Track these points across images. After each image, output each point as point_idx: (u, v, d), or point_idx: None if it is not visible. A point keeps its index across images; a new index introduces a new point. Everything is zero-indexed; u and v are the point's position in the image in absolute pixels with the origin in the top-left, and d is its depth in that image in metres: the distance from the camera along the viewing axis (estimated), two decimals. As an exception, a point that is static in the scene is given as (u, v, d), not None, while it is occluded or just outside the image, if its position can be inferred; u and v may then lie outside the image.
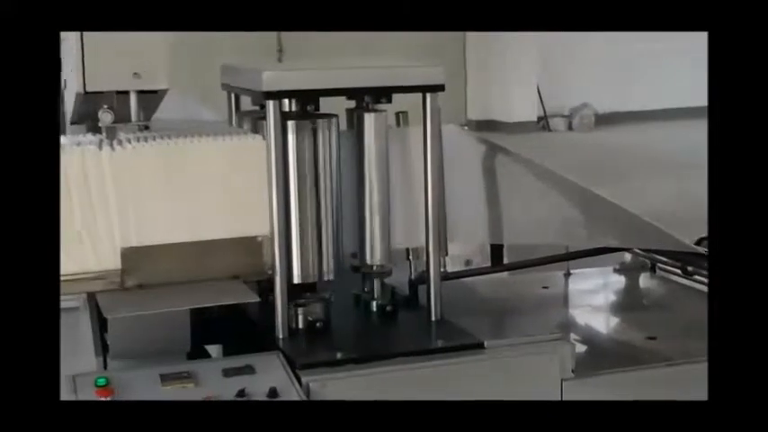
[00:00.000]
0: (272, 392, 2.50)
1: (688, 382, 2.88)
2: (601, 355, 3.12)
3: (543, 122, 15.90)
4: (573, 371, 2.77)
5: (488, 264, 3.99)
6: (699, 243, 3.40)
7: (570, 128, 15.97)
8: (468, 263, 4.23)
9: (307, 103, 2.88)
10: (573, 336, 3.11)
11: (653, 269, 3.82)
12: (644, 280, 3.81)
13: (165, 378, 2.57)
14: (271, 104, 2.78)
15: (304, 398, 2.52)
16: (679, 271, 3.50)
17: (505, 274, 3.90)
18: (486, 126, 14.86)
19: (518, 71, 15.21)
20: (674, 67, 15.92)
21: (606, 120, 15.95)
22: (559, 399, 2.75)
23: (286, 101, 2.87)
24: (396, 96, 2.99)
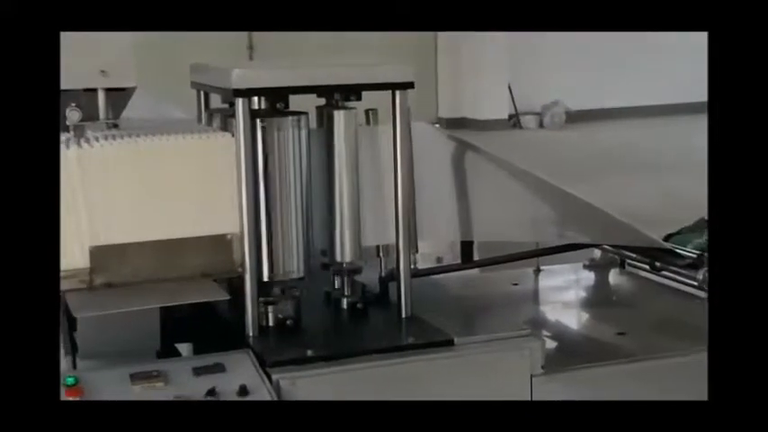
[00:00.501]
0: (243, 390, 2.50)
1: (657, 377, 2.92)
2: (570, 351, 3.13)
3: (515, 120, 15.96)
4: (542, 367, 2.78)
5: (459, 261, 4.00)
6: (667, 239, 3.43)
7: (541, 125, 16.03)
8: (439, 260, 4.23)
9: (276, 101, 2.87)
10: (543, 332, 3.12)
11: (622, 265, 3.84)
12: (613, 276, 3.84)
13: (134, 377, 2.56)
14: (240, 102, 2.77)
15: (274, 396, 2.52)
16: (648, 267, 3.52)
17: (476, 271, 3.90)
18: (457, 124, 14.91)
19: (489, 69, 15.27)
20: (645, 64, 16.02)
21: (577, 117, 16.03)
22: (529, 395, 2.76)
23: (255, 99, 2.87)
24: (366, 94, 2.99)
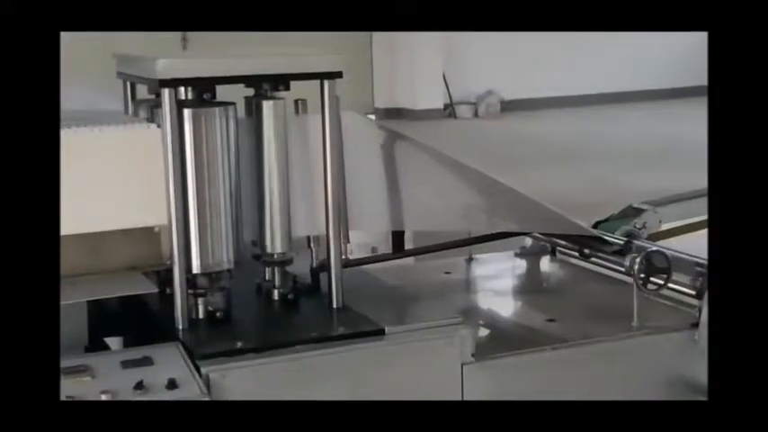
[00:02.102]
0: (171, 384, 2.47)
1: (585, 362, 2.95)
2: (501, 338, 3.16)
3: (450, 110, 16.01)
4: (473, 354, 2.79)
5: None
6: (596, 227, 3.47)
7: (476, 115, 16.11)
8: (374, 250, 4.23)
9: (203, 92, 2.84)
10: (474, 320, 3.14)
11: (553, 253, 3.88)
12: (544, 264, 3.87)
13: (62, 372, 2.51)
14: (166, 93, 2.74)
15: (204, 389, 2.50)
16: (577, 254, 3.55)
17: (408, 261, 3.91)
18: (393, 114, 14.92)
19: (424, 59, 15.28)
20: (579, 53, 16.16)
21: (512, 107, 16.13)
22: (460, 383, 2.77)
23: (182, 89, 2.83)
24: (298, 84, 2.97)
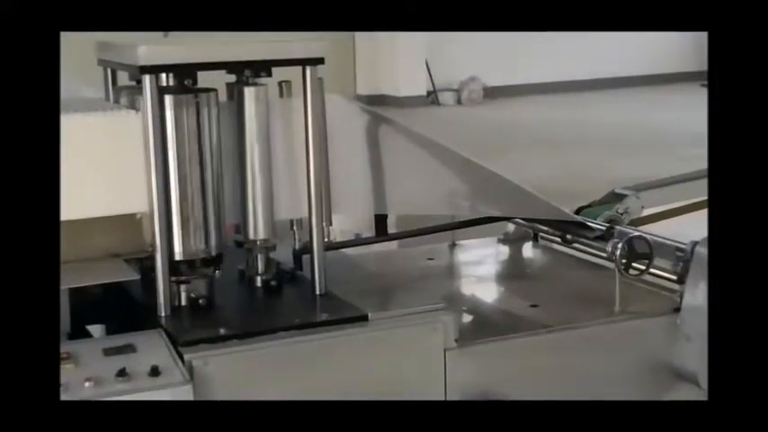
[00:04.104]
0: (154, 371, 2.47)
1: (568, 347, 2.96)
2: (484, 324, 3.16)
3: (432, 97, 16.01)
4: (456, 340, 2.80)
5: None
6: (578, 212, 3.48)
7: (459, 102, 16.11)
8: (357, 237, 4.24)
9: (184, 78, 2.83)
10: (457, 306, 3.14)
11: (536, 239, 3.88)
12: (527, 249, 3.88)
13: (44, 360, 2.51)
14: (147, 79, 2.73)
15: (187, 376, 2.50)
16: (560, 240, 3.56)
17: (392, 247, 3.91)
18: (376, 101, 14.89)
19: (406, 46, 15.27)
20: (561, 39, 16.17)
21: (495, 93, 16.14)
22: (443, 368, 2.77)
23: (164, 75, 2.82)
24: (282, 68, 2.97)
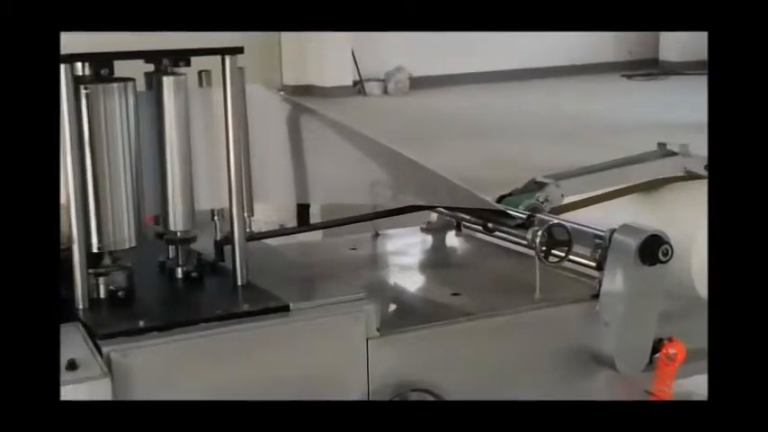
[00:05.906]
0: (71, 365, 2.43)
1: (490, 334, 2.99)
2: (406, 312, 3.18)
3: (359, 87, 16.00)
4: (378, 329, 2.80)
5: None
6: (500, 201, 3.50)
7: (386, 92, 16.13)
8: (281, 227, 4.22)
9: (101, 68, 2.79)
10: (380, 295, 3.15)
11: (458, 227, 3.90)
12: (450, 238, 3.90)
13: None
14: (62, 69, 2.68)
15: (105, 369, 2.46)
16: (482, 228, 3.59)
17: (315, 238, 3.91)
18: (302, 91, 14.86)
19: (333, 36, 15.23)
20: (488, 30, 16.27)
21: (421, 83, 16.19)
22: (366, 358, 2.78)
23: (79, 65, 2.78)
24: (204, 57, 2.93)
